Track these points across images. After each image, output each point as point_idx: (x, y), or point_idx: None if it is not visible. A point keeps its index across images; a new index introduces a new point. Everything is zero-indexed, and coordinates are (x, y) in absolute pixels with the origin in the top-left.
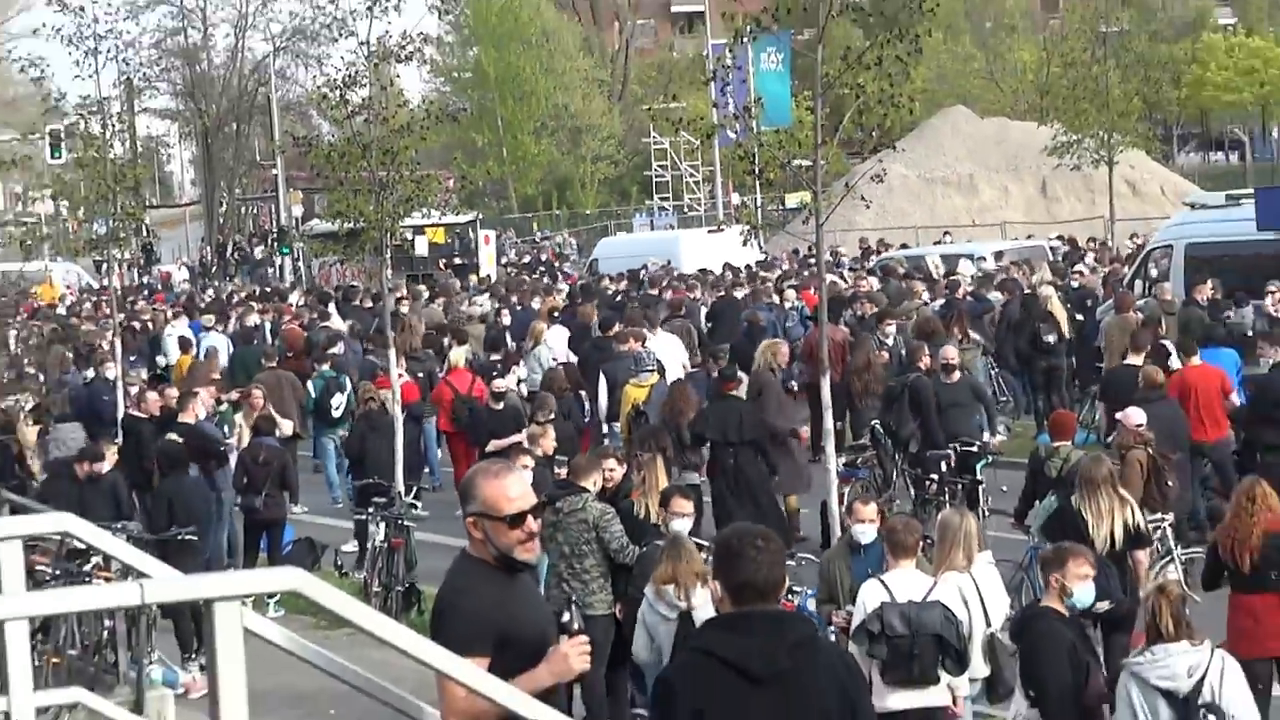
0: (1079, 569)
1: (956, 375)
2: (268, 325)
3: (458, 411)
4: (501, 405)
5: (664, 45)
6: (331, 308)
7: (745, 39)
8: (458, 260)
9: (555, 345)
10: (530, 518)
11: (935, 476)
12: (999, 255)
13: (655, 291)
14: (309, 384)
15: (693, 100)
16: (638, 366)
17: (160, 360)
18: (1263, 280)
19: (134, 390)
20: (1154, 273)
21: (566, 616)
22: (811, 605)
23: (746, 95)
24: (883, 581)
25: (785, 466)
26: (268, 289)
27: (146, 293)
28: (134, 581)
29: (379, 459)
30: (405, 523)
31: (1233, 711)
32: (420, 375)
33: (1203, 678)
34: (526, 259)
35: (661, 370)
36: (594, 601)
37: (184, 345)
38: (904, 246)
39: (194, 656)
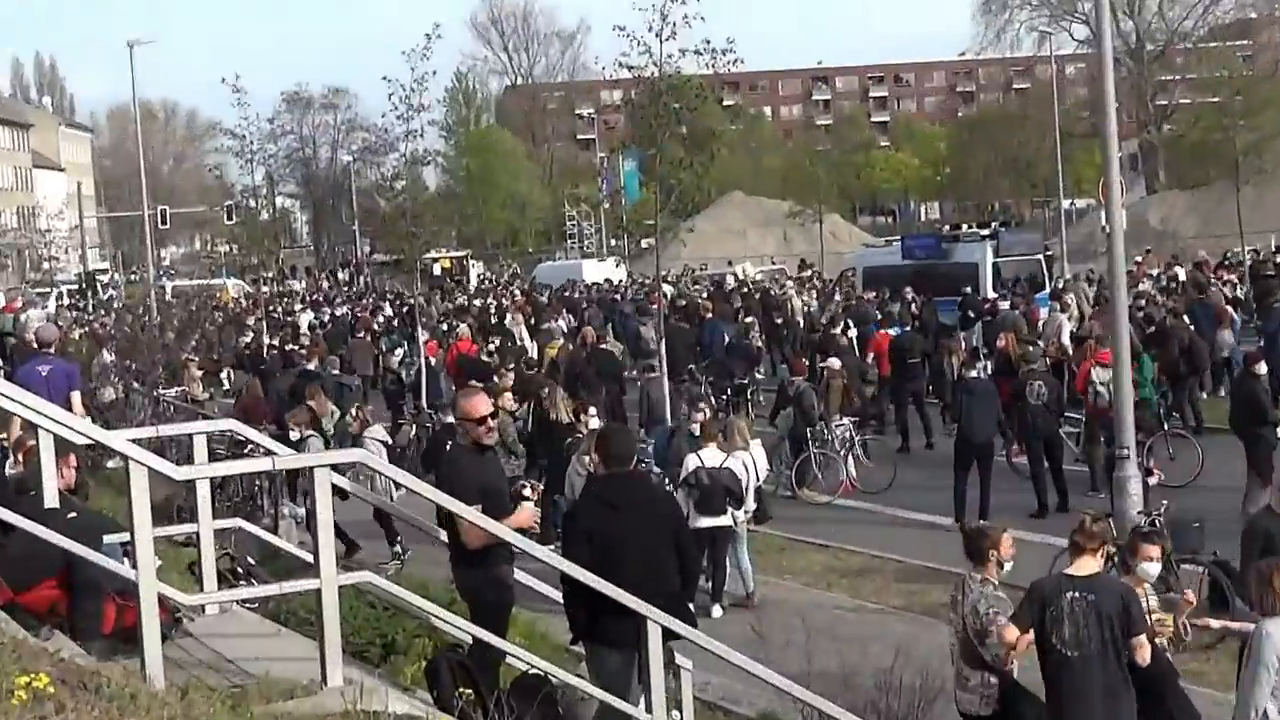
0: None
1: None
2: (350, 314)
3: (462, 363)
4: (489, 359)
5: (572, 155)
6: (386, 304)
7: (618, 152)
8: (457, 278)
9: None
10: (489, 420)
11: (726, 395)
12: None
13: (575, 295)
14: (382, 340)
15: (587, 186)
16: (550, 336)
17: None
18: (903, 286)
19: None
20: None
21: (528, 491)
22: (657, 469)
23: (616, 182)
24: (698, 455)
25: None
26: (352, 294)
27: (284, 298)
28: (268, 457)
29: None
30: (425, 425)
31: None
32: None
33: None
34: (494, 278)
35: (570, 338)
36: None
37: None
38: (703, 268)
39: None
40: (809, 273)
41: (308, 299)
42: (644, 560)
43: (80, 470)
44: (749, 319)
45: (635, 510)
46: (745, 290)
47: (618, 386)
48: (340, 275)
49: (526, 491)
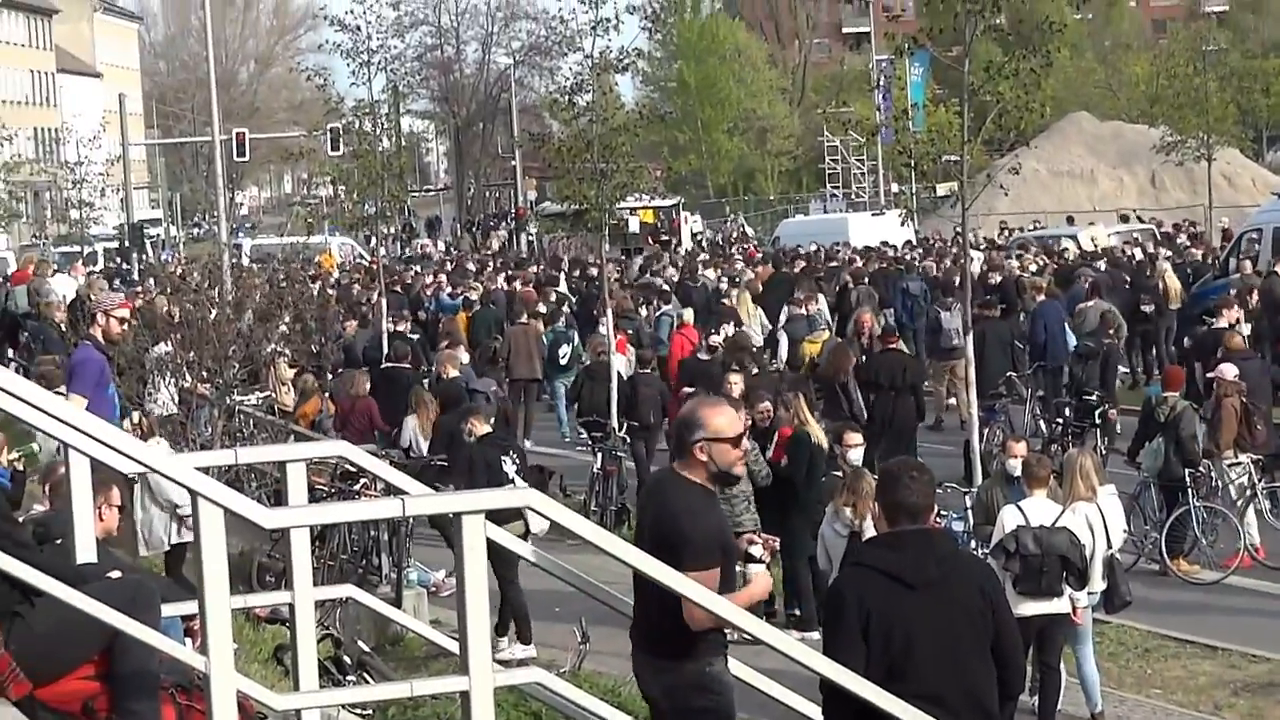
0: None
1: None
2: (503, 289)
3: (690, 371)
4: (710, 357)
5: (836, 59)
6: (562, 277)
7: (905, 53)
8: (665, 237)
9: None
10: (743, 440)
11: (1063, 418)
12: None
13: (835, 264)
14: (543, 336)
15: (859, 105)
16: (811, 326)
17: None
18: None
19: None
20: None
21: (758, 549)
22: (957, 526)
23: (898, 100)
24: (1019, 508)
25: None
26: (508, 260)
27: (407, 263)
28: (396, 498)
29: (597, 401)
30: (618, 454)
31: None
32: (629, 332)
33: None
34: (718, 236)
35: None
36: (743, 520)
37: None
38: (1037, 225)
39: None
40: (1189, 233)
41: (445, 265)
42: (947, 664)
43: (124, 512)
44: (1098, 304)
45: (935, 589)
46: (1095, 262)
47: (913, 402)
48: (494, 232)
49: (756, 550)
